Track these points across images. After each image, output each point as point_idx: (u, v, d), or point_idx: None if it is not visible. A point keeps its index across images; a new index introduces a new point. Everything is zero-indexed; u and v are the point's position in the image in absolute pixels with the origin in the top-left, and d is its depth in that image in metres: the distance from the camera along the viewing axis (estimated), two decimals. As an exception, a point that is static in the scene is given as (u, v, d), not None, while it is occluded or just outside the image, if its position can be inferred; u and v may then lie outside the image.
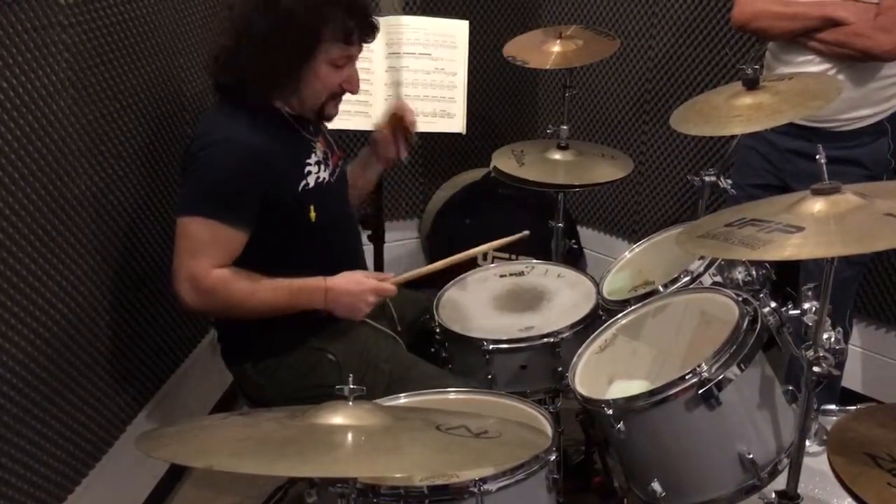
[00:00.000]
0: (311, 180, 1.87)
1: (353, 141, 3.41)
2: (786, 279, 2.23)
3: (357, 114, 2.63)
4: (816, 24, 2.09)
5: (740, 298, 1.63)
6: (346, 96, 2.60)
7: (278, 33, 1.75)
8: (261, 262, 1.81)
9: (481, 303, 2.14)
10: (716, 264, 1.85)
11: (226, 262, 1.78)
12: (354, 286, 1.86)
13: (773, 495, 1.49)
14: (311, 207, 1.85)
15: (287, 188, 1.83)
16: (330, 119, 1.95)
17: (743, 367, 1.50)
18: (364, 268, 2.06)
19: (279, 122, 1.86)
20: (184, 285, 1.77)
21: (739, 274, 1.77)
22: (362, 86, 2.60)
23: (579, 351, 1.78)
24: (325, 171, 1.92)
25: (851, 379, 2.71)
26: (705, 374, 1.48)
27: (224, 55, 1.81)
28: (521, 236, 2.06)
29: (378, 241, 2.84)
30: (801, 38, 2.13)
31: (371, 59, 2.61)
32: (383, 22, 2.65)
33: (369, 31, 1.87)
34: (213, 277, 1.76)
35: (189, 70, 2.41)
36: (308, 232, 1.87)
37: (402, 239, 3.48)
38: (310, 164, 1.88)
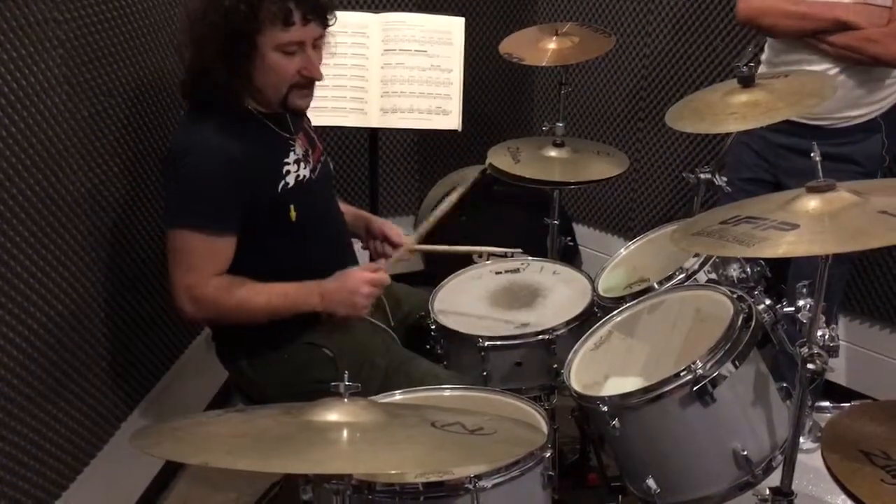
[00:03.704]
0: (291, 179, 1.86)
1: (349, 137, 3.41)
2: (779, 276, 2.24)
3: (353, 111, 2.63)
4: (826, 26, 2.07)
5: (735, 296, 1.63)
6: (343, 93, 2.60)
7: (216, 28, 1.72)
8: (245, 263, 1.81)
9: (477, 300, 2.14)
10: (711, 261, 1.85)
11: (221, 269, 1.79)
12: (347, 282, 1.85)
13: (768, 492, 1.50)
14: (292, 207, 1.85)
15: (266, 190, 1.82)
16: (299, 111, 1.89)
17: (737, 364, 1.50)
18: (354, 263, 2.06)
19: (253, 124, 1.84)
20: (183, 298, 1.78)
21: (734, 271, 1.77)
22: (358, 82, 2.63)
23: (574, 348, 1.79)
24: (305, 168, 1.91)
25: (836, 373, 2.72)
26: (700, 371, 1.49)
27: (185, 60, 1.80)
28: (514, 252, 2.14)
29: (373, 238, 2.83)
30: (809, 38, 2.11)
31: (367, 56, 2.61)
32: (379, 19, 2.66)
33: (310, 10, 1.75)
34: (210, 287, 1.77)
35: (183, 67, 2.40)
36: (289, 230, 1.86)
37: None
38: (288, 164, 1.86)
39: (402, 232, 2.13)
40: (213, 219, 1.76)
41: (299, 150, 1.91)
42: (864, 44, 2.04)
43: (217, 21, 1.71)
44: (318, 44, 1.82)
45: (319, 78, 1.83)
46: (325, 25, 1.83)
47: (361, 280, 1.85)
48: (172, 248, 1.78)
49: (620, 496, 2.00)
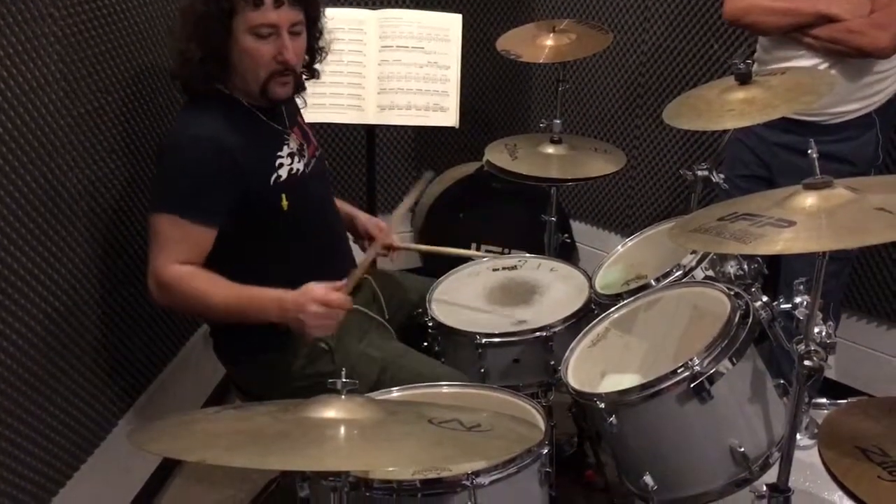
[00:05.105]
0: (284, 172, 1.86)
1: (347, 134, 3.41)
2: (776, 273, 2.24)
3: (350, 107, 2.63)
4: (809, 20, 2.08)
5: (732, 292, 1.63)
6: (340, 89, 2.59)
7: (191, 8, 1.74)
8: (237, 256, 1.81)
9: (474, 296, 2.14)
10: (708, 258, 1.85)
11: (193, 258, 1.77)
12: (300, 298, 1.71)
13: (765, 488, 1.50)
14: (283, 196, 1.84)
15: (257, 182, 1.82)
16: (278, 99, 1.86)
17: (734, 360, 1.51)
18: (350, 260, 2.06)
19: (247, 117, 1.85)
20: (149, 280, 1.79)
21: (731, 268, 1.77)
22: (355, 79, 2.63)
23: (572, 345, 1.79)
24: (299, 162, 1.91)
25: (833, 370, 2.72)
26: (697, 368, 1.49)
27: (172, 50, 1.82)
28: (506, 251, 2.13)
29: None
30: (793, 33, 2.13)
31: (364, 53, 2.60)
32: (377, 16, 2.66)
33: None
34: (168, 273, 1.75)
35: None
36: (281, 222, 1.86)
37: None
38: (281, 157, 1.87)
39: (385, 225, 2.14)
40: (193, 206, 1.75)
41: (293, 144, 1.91)
42: (847, 35, 2.04)
43: (191, 1, 1.74)
44: (295, 30, 1.81)
45: (293, 62, 1.81)
46: (304, 11, 1.83)
47: (311, 298, 1.70)
48: (151, 232, 1.78)
49: (617, 493, 2.00)
